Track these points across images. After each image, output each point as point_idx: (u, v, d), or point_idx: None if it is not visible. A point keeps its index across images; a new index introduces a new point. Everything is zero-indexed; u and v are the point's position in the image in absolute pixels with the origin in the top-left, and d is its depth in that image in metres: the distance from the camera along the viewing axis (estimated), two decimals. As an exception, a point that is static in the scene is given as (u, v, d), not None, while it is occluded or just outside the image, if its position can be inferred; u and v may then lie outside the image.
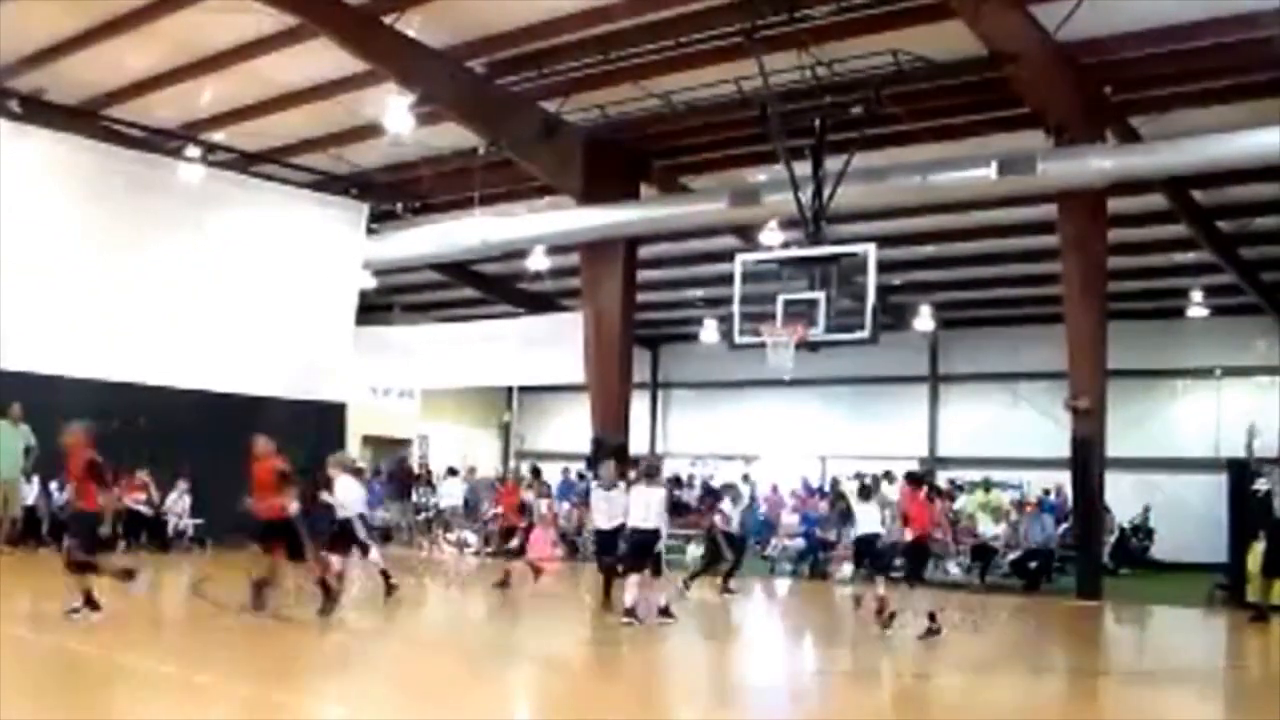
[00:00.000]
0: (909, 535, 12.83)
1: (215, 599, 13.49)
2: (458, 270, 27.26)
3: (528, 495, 25.23)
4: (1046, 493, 22.81)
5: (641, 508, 12.82)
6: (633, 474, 14.26)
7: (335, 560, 12.66)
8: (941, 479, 24.90)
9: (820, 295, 15.48)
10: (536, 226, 21.60)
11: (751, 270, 16.56)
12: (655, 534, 12.79)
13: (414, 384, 29.33)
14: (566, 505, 23.81)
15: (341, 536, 13.16)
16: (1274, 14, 13.59)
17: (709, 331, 28.60)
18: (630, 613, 12.32)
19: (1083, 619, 16.49)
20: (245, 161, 21.61)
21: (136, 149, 19.99)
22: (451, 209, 22.75)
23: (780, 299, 15.79)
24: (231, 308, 20.38)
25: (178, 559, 18.54)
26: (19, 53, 17.53)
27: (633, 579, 12.56)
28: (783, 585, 19.98)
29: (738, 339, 16.40)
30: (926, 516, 13.03)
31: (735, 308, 16.41)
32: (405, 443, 31.38)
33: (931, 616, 12.28)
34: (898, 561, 13.54)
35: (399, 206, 23.69)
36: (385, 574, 13.60)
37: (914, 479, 13.30)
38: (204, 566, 14.50)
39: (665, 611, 12.75)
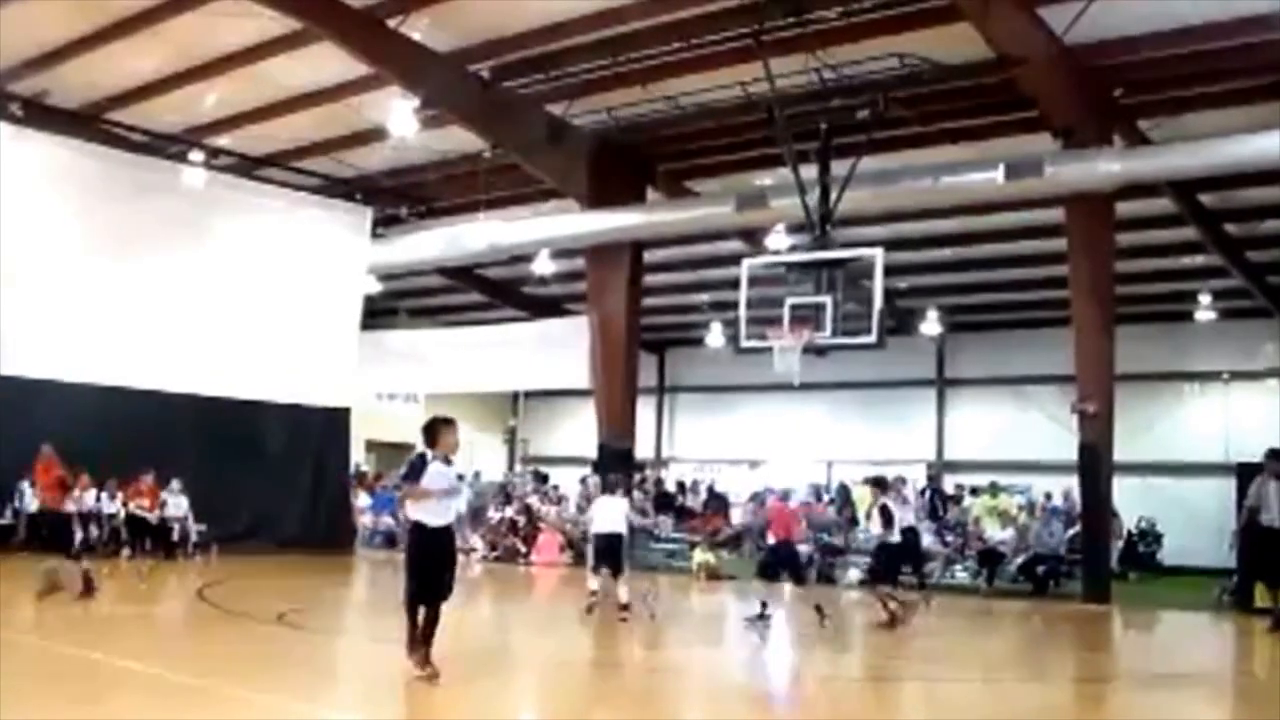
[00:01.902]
0: (772, 539, 14.65)
1: (221, 604, 13.42)
2: (463, 274, 27.24)
3: (533, 500, 25.33)
4: (1048, 496, 22.70)
5: (607, 512, 14.08)
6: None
7: None
8: (949, 483, 24.82)
9: (827, 299, 15.37)
10: (542, 230, 21.55)
11: (758, 274, 16.49)
12: (619, 537, 13.80)
13: (419, 388, 29.27)
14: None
15: None
16: (1283, 16, 13.54)
17: (715, 336, 28.60)
18: (625, 607, 13.37)
19: (1090, 623, 16.36)
20: (249, 166, 21.61)
21: (139, 153, 19.99)
22: (457, 213, 22.74)
23: (787, 303, 15.69)
24: (235, 312, 20.32)
25: (182, 565, 18.41)
26: (21, 56, 17.53)
27: (621, 578, 13.65)
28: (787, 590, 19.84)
29: (744, 343, 16.30)
30: (788, 523, 14.75)
31: (742, 312, 16.30)
32: (410, 448, 31.27)
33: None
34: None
35: (404, 210, 23.67)
36: None
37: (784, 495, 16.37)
38: (207, 571, 14.46)
39: (624, 608, 13.34)
